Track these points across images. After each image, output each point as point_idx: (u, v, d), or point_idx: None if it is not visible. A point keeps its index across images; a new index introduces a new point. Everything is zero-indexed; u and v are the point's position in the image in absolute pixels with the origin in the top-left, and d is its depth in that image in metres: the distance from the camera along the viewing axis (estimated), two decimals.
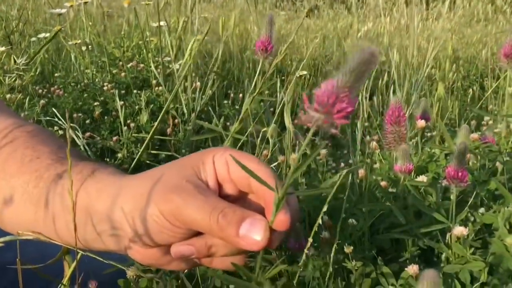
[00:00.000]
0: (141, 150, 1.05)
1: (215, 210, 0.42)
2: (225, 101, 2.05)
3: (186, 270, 0.63)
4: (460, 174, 0.63)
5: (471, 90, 2.66)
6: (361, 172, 0.94)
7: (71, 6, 2.01)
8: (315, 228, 0.63)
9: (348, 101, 0.34)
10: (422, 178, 0.69)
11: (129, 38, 2.17)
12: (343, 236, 0.76)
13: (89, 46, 1.96)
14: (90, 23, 1.94)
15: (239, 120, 0.85)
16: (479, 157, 0.94)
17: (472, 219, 0.70)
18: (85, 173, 0.49)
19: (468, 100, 2.62)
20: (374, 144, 0.94)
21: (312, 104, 0.34)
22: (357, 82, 0.34)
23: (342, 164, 1.44)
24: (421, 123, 0.78)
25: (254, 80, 0.86)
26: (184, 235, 0.45)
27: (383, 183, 0.87)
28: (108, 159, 1.53)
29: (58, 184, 0.49)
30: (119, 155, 1.50)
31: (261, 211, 0.46)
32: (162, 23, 1.91)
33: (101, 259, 0.52)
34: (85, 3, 1.85)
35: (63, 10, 1.71)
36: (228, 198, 0.48)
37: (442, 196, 0.73)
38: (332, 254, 0.62)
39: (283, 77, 2.89)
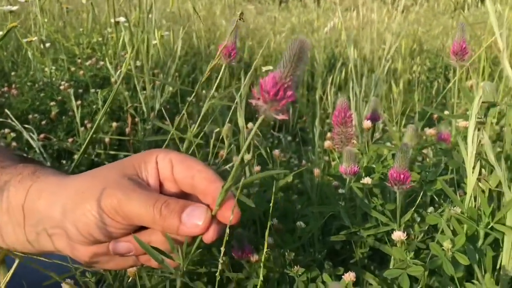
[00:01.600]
0: (84, 146, 1.01)
1: (158, 201, 0.44)
2: (189, 98, 2.01)
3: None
4: (402, 176, 0.62)
5: (436, 82, 2.69)
6: (316, 171, 0.93)
7: (26, 1, 1.94)
8: (266, 234, 0.62)
9: (289, 89, 0.37)
10: (367, 180, 0.68)
11: (89, 35, 2.11)
12: (292, 240, 0.75)
13: (46, 44, 1.89)
14: (46, 20, 1.87)
15: (197, 123, 0.84)
16: (432, 154, 0.94)
17: (418, 219, 0.70)
18: (26, 174, 0.49)
19: (433, 92, 2.65)
20: (327, 143, 0.93)
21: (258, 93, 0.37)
22: (295, 71, 0.37)
23: (304, 162, 1.43)
24: (367, 123, 0.78)
25: (215, 84, 0.85)
26: (124, 231, 0.46)
27: (335, 183, 0.86)
28: (64, 161, 1.48)
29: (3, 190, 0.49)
30: (76, 156, 1.45)
31: None
32: (122, 19, 1.86)
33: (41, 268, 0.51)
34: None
35: (14, 8, 1.64)
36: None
37: (392, 197, 0.73)
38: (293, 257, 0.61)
39: (250, 71, 2.86)
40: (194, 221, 0.44)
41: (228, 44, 0.72)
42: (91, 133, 0.77)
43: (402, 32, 1.87)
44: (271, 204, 0.61)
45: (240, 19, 0.59)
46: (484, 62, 1.94)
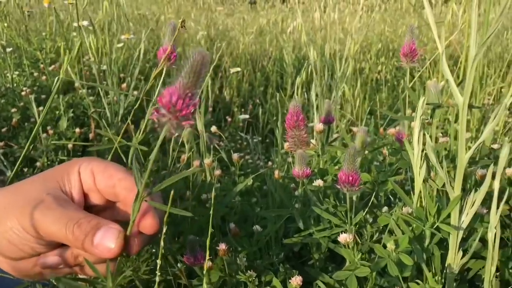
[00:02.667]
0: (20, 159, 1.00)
1: (70, 221, 0.43)
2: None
3: None
4: (351, 178, 0.63)
5: (402, 81, 2.73)
6: (276, 173, 0.94)
7: None
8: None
9: (190, 100, 0.37)
10: (319, 182, 0.69)
11: (53, 39, 2.07)
12: (249, 244, 0.75)
13: (8, 49, 1.85)
14: (6, 24, 1.83)
15: (143, 130, 0.82)
16: (388, 154, 0.96)
17: (371, 220, 0.71)
18: None
19: (400, 91, 2.69)
20: (286, 144, 0.94)
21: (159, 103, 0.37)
22: (196, 83, 0.37)
23: (270, 163, 1.44)
24: (319, 126, 0.79)
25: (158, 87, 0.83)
26: (49, 246, 0.46)
27: (293, 186, 0.87)
28: (26, 169, 1.45)
29: None
30: (38, 163, 1.42)
31: (129, 218, 0.46)
32: (85, 22, 1.83)
33: None
34: None
35: None
36: (95, 208, 0.50)
37: (344, 198, 0.74)
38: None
39: (220, 73, 2.87)
40: (106, 244, 0.42)
41: (166, 48, 0.71)
42: (35, 130, 0.75)
43: (365, 32, 1.89)
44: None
45: (182, 27, 0.59)
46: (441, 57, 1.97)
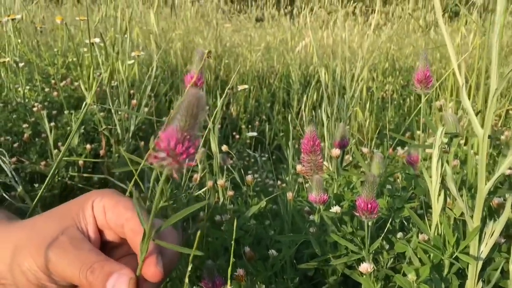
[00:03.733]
0: (50, 173, 1.01)
1: (84, 266, 0.43)
2: (164, 117, 2.01)
3: None
4: (370, 206, 0.63)
5: (408, 99, 2.75)
6: (290, 195, 0.94)
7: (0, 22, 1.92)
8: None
9: (189, 143, 0.36)
10: (337, 209, 0.69)
11: (64, 54, 2.10)
12: (265, 268, 0.75)
13: (20, 64, 1.87)
14: (20, 40, 1.85)
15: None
16: (400, 178, 0.96)
17: (387, 247, 0.71)
18: None
19: (406, 109, 2.71)
20: (299, 167, 0.94)
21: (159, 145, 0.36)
22: (194, 124, 0.36)
23: (279, 182, 1.44)
24: (335, 152, 0.79)
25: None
26: (66, 285, 0.45)
27: (306, 209, 0.87)
28: (37, 184, 1.46)
29: None
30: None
31: None
32: (96, 39, 1.86)
33: None
34: (13, 19, 1.76)
35: None
36: (110, 244, 0.50)
37: (361, 224, 0.74)
38: None
39: (228, 90, 2.88)
40: None
41: (193, 74, 0.73)
42: (61, 156, 0.76)
43: (374, 52, 1.91)
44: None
45: (208, 57, 0.60)
46: (452, 81, 2.00)
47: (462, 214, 0.64)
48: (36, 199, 0.79)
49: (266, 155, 2.04)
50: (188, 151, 0.36)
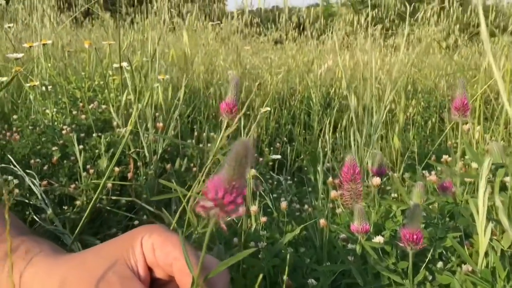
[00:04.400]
0: (96, 194, 1.02)
1: None
2: (189, 140, 2.03)
3: None
4: (415, 236, 0.63)
5: (430, 122, 2.73)
6: (322, 222, 0.94)
7: (30, 47, 1.97)
8: None
9: (237, 192, 0.36)
10: (379, 239, 0.69)
11: (91, 78, 2.14)
12: None
13: (49, 87, 1.91)
14: (50, 65, 1.90)
15: (199, 183, 0.84)
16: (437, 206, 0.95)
17: (430, 277, 0.70)
18: (19, 254, 0.49)
19: (428, 131, 2.69)
20: (333, 193, 0.94)
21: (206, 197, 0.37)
22: (241, 173, 0.36)
23: (306, 206, 1.44)
24: (376, 180, 0.79)
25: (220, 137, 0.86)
26: None
27: (342, 236, 0.87)
28: (66, 207, 1.47)
29: None
30: (78, 202, 1.45)
31: None
32: (125, 64, 1.89)
33: None
34: (44, 45, 1.81)
35: (20, 55, 1.67)
36: (159, 282, 0.49)
37: (401, 254, 0.73)
38: None
39: (248, 112, 2.91)
40: None
41: (228, 101, 0.73)
42: (105, 176, 0.77)
43: (400, 77, 1.91)
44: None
45: (257, 89, 0.61)
46: (479, 102, 1.98)
47: (511, 245, 0.63)
48: (77, 230, 0.80)
49: (289, 177, 2.04)
50: (235, 201, 0.36)
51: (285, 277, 0.77)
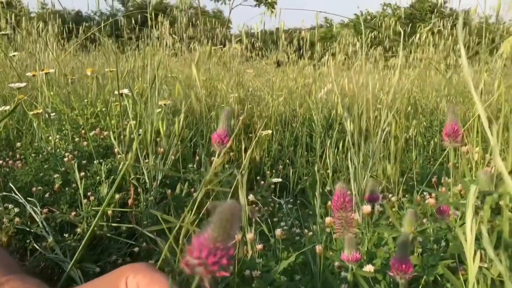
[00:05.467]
0: (94, 221, 1.03)
1: None
2: (190, 165, 2.04)
3: None
4: (404, 266, 0.63)
5: (432, 141, 2.73)
6: (318, 248, 0.94)
7: (34, 75, 2.01)
8: None
9: (222, 254, 0.36)
10: (369, 268, 0.69)
11: (94, 104, 2.17)
12: None
13: (52, 114, 1.94)
14: (52, 93, 1.93)
15: (192, 210, 0.84)
16: (431, 233, 0.95)
17: None
18: None
19: (431, 151, 2.69)
20: (328, 219, 0.95)
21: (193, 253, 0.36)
22: (227, 235, 0.35)
23: (306, 231, 1.43)
24: (366, 208, 0.79)
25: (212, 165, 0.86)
26: None
27: (336, 264, 0.87)
28: (67, 235, 1.48)
29: None
30: (78, 229, 1.46)
31: None
32: (125, 90, 1.92)
33: None
34: (46, 73, 1.85)
35: (22, 85, 1.71)
36: None
37: (393, 282, 0.73)
38: None
39: (250, 134, 2.93)
40: None
41: (220, 132, 0.74)
42: (105, 204, 0.78)
43: (398, 97, 1.93)
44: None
45: (242, 122, 0.62)
46: (476, 123, 1.98)
47: (499, 274, 0.63)
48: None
49: (291, 200, 2.03)
50: (220, 261, 0.35)
51: None
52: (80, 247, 0.88)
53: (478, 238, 0.67)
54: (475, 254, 0.63)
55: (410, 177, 2.17)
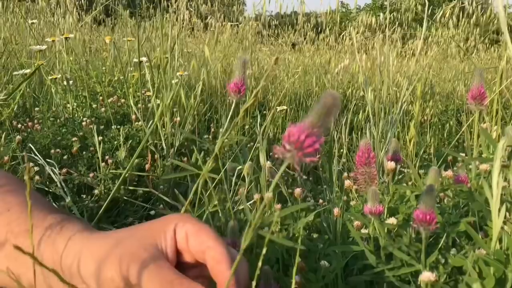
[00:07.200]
0: (116, 185, 1.04)
1: (164, 281, 0.46)
2: (206, 136, 2.05)
3: None
4: (428, 217, 0.63)
5: (448, 125, 2.71)
6: (336, 210, 0.94)
7: (53, 40, 2.02)
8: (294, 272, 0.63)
9: (317, 138, 0.38)
10: (392, 220, 0.69)
11: (111, 73, 2.18)
12: (316, 279, 0.75)
13: (70, 81, 1.95)
14: (71, 58, 1.94)
15: (212, 158, 0.85)
16: (451, 196, 0.95)
17: (443, 261, 0.70)
18: (54, 228, 0.52)
19: (445, 134, 2.67)
20: (347, 182, 0.95)
21: (287, 140, 0.38)
22: (325, 122, 0.38)
23: (321, 201, 1.44)
24: (390, 164, 0.80)
25: (227, 119, 0.86)
26: None
27: (356, 223, 0.87)
28: (84, 196, 1.50)
29: (42, 240, 0.51)
30: (96, 191, 1.48)
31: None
32: (144, 58, 1.93)
33: None
34: (66, 38, 1.85)
35: (43, 47, 1.72)
36: (186, 265, 0.53)
37: (415, 237, 0.74)
38: None
39: (265, 111, 2.93)
40: None
41: (236, 81, 0.73)
42: (128, 167, 0.79)
43: (415, 77, 1.91)
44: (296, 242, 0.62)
45: (275, 64, 0.62)
46: (496, 105, 1.97)
47: None
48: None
49: (305, 176, 2.04)
50: (314, 145, 0.37)
51: (297, 259, 0.78)
52: (100, 209, 0.90)
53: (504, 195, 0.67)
54: (500, 208, 0.63)
55: (425, 158, 2.16)
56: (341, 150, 2.25)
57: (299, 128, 0.37)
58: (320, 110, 0.37)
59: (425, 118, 2.70)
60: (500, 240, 0.67)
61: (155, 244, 0.50)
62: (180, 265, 0.52)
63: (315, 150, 0.37)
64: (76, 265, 0.49)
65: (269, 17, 3.95)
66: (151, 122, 1.83)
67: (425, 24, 1.33)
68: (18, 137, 1.64)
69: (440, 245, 0.71)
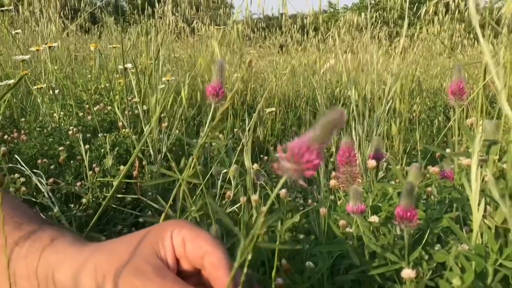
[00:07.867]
0: (108, 196, 1.03)
1: None
2: (195, 140, 2.05)
3: None
4: (409, 214, 0.63)
5: (436, 121, 2.73)
6: (322, 210, 0.94)
7: (37, 50, 2.01)
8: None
9: (317, 154, 0.37)
10: (374, 218, 0.69)
11: (97, 81, 2.17)
12: (302, 280, 0.75)
13: (56, 90, 1.94)
14: (56, 67, 1.93)
15: (189, 163, 0.84)
16: (435, 192, 0.95)
17: (427, 257, 0.70)
18: (44, 241, 0.51)
19: (434, 130, 2.68)
20: (332, 182, 0.95)
21: (285, 154, 0.38)
22: (326, 138, 0.37)
23: (310, 201, 1.44)
24: (371, 163, 0.80)
25: (207, 121, 0.86)
26: None
27: (341, 222, 0.87)
28: (72, 205, 1.49)
29: (13, 252, 0.50)
30: (84, 200, 1.47)
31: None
32: (129, 65, 1.92)
33: None
34: (50, 47, 1.84)
35: (26, 57, 1.71)
36: (184, 273, 0.51)
37: (399, 235, 0.74)
38: None
39: (253, 114, 2.92)
40: None
41: (214, 84, 0.73)
42: (120, 177, 0.78)
43: (401, 73, 1.92)
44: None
45: (249, 66, 0.62)
46: (482, 100, 1.97)
47: (504, 222, 0.63)
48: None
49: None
50: (313, 161, 0.37)
51: (276, 261, 0.78)
52: (91, 218, 0.89)
53: (482, 190, 0.67)
54: (479, 203, 0.63)
55: (413, 154, 2.17)
56: (330, 149, 2.26)
57: (299, 143, 0.37)
58: (325, 126, 0.36)
59: (414, 115, 2.71)
60: (482, 234, 0.67)
61: (154, 253, 0.48)
62: (179, 274, 0.51)
63: (315, 166, 0.37)
64: (72, 280, 0.47)
65: (256, 20, 3.96)
66: (140, 127, 1.82)
67: (406, 21, 1.34)
68: (3, 148, 1.63)
69: (424, 241, 0.71)
